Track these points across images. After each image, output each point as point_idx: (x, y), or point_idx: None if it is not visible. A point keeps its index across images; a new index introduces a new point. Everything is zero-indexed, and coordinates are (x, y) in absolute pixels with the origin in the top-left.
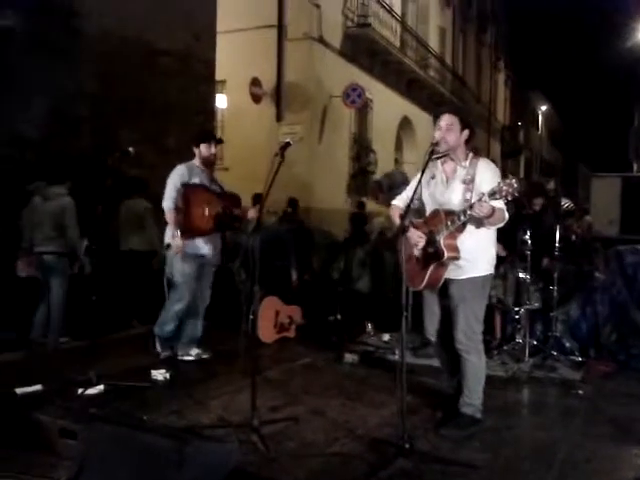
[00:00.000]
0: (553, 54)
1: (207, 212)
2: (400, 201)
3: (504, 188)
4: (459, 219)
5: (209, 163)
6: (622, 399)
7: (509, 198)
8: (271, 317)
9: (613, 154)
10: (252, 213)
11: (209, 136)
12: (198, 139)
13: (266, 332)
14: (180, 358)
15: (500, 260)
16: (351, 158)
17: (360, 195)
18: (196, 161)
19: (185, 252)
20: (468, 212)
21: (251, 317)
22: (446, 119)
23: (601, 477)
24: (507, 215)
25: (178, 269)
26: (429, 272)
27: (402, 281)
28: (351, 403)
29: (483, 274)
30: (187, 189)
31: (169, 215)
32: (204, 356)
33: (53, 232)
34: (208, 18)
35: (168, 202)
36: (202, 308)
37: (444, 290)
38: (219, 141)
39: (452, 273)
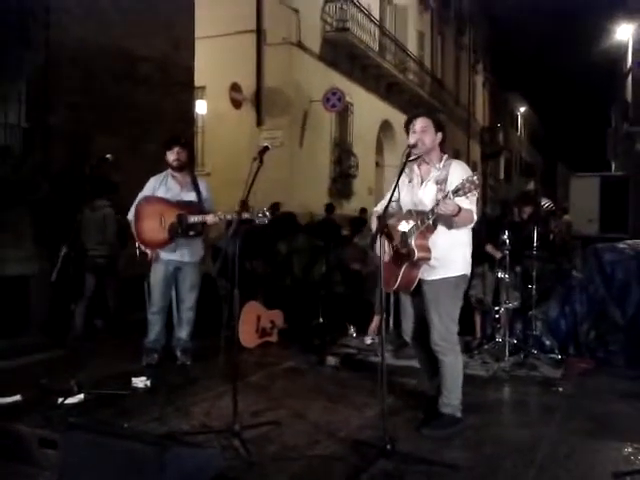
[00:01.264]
0: (531, 56)
1: (160, 224)
2: (381, 207)
3: (467, 185)
4: (427, 218)
5: (177, 168)
6: (601, 395)
7: (474, 194)
8: (253, 322)
9: (591, 154)
10: (211, 219)
11: (170, 142)
12: (162, 147)
13: (248, 337)
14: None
15: (489, 258)
16: (332, 162)
17: (341, 198)
18: (166, 171)
19: (159, 257)
20: (435, 210)
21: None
22: (420, 122)
23: (581, 472)
24: (475, 216)
25: (151, 274)
26: (401, 273)
27: (378, 283)
28: (333, 406)
29: (457, 274)
30: (138, 204)
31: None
32: (187, 363)
33: (100, 238)
34: (187, 25)
35: (129, 214)
36: (185, 313)
37: (418, 291)
38: (183, 144)
39: (425, 274)
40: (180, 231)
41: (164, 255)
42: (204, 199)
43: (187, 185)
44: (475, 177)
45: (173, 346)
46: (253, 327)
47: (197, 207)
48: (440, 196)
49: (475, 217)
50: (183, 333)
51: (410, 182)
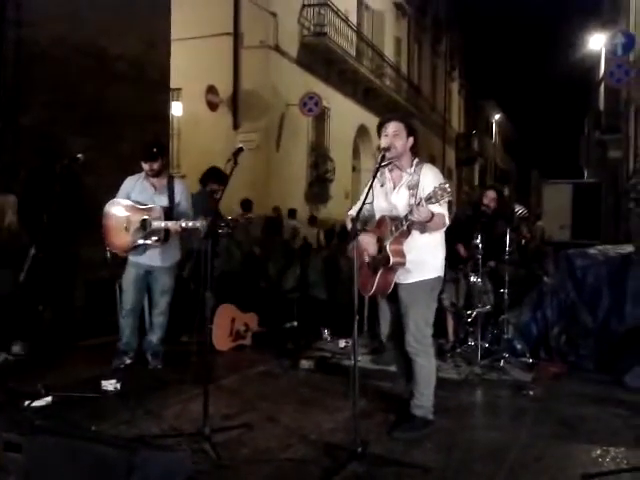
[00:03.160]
0: (506, 64)
1: (126, 228)
2: (354, 211)
3: (439, 192)
4: (401, 224)
5: (151, 176)
6: (572, 399)
7: (445, 201)
8: (227, 325)
9: (565, 162)
10: (172, 226)
11: (147, 155)
12: (140, 155)
13: (221, 340)
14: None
15: (461, 261)
16: (309, 166)
17: (318, 203)
18: (143, 172)
19: (129, 260)
20: (409, 216)
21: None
22: (392, 126)
23: (550, 475)
24: (448, 221)
25: (123, 277)
26: (378, 278)
27: (354, 286)
28: (306, 409)
29: (431, 277)
30: (107, 206)
31: None
32: (158, 367)
33: None
34: (163, 24)
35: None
36: (156, 317)
37: (394, 294)
38: (159, 155)
39: (401, 277)
40: (144, 236)
41: (135, 258)
42: (177, 203)
43: (162, 188)
44: (447, 185)
45: (144, 350)
46: (227, 330)
47: (165, 212)
48: (413, 201)
49: (447, 221)
50: (154, 337)
51: (382, 186)
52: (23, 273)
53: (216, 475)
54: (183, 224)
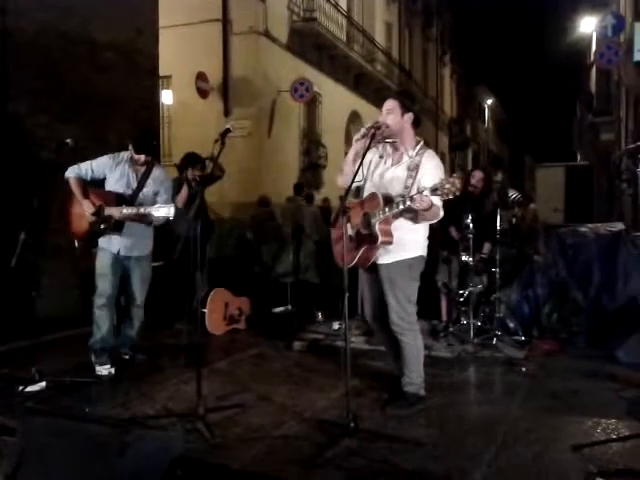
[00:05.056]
0: (498, 48)
1: (82, 214)
2: (342, 182)
3: (446, 186)
4: (397, 207)
5: (139, 165)
6: (564, 374)
7: (450, 197)
8: (221, 309)
9: (558, 145)
10: (117, 213)
11: (144, 147)
12: (133, 142)
13: (215, 324)
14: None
15: (454, 243)
16: (301, 152)
17: (311, 189)
18: (127, 155)
19: (99, 245)
20: (408, 203)
21: (196, 306)
22: (387, 104)
23: (541, 446)
24: (442, 213)
25: (97, 262)
26: (360, 252)
27: (335, 261)
28: (299, 388)
29: (411, 256)
30: (68, 196)
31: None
32: (139, 358)
33: None
34: (150, 11)
35: (68, 171)
36: (135, 310)
37: (374, 272)
38: (153, 151)
39: (380, 258)
40: (98, 223)
41: (104, 245)
42: (155, 191)
43: (140, 175)
44: (457, 180)
45: (120, 346)
46: (221, 314)
47: (113, 199)
48: (409, 183)
49: (441, 213)
50: (132, 332)
51: (381, 158)
52: (14, 258)
53: (209, 453)
54: (124, 210)
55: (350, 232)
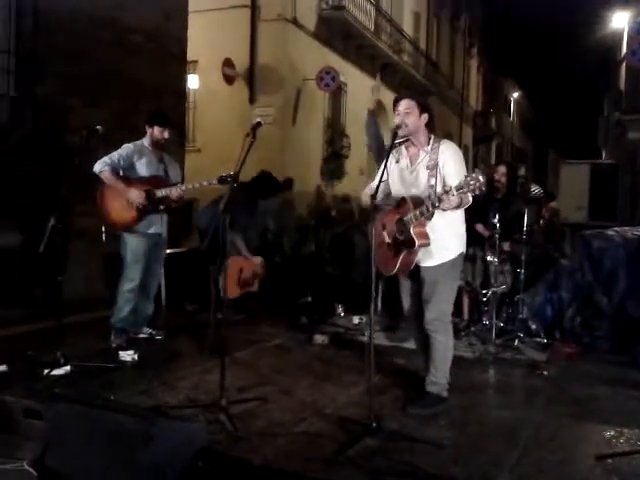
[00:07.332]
0: (526, 42)
1: (127, 202)
2: (370, 189)
3: (471, 183)
4: (427, 210)
5: (159, 145)
6: (586, 379)
7: (476, 192)
8: (235, 275)
9: (583, 141)
10: (175, 192)
11: (164, 119)
12: (153, 120)
13: (230, 288)
14: (132, 336)
15: (481, 240)
16: (325, 142)
17: (333, 179)
18: (146, 141)
19: (136, 230)
20: (436, 204)
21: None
22: (404, 104)
23: (564, 454)
24: (470, 198)
25: (129, 249)
26: (401, 258)
27: (372, 264)
28: (320, 383)
29: (454, 256)
30: (102, 186)
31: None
32: (157, 337)
33: None
34: None
35: (99, 166)
36: (153, 287)
37: (415, 273)
38: (173, 126)
39: (423, 260)
40: (150, 207)
41: (144, 229)
42: (172, 170)
43: (161, 160)
44: (481, 177)
45: (138, 324)
46: (234, 280)
47: (162, 182)
48: (433, 182)
49: (470, 198)
50: (150, 308)
51: (397, 162)
52: (42, 244)
53: (231, 446)
54: (182, 187)
55: (387, 240)
